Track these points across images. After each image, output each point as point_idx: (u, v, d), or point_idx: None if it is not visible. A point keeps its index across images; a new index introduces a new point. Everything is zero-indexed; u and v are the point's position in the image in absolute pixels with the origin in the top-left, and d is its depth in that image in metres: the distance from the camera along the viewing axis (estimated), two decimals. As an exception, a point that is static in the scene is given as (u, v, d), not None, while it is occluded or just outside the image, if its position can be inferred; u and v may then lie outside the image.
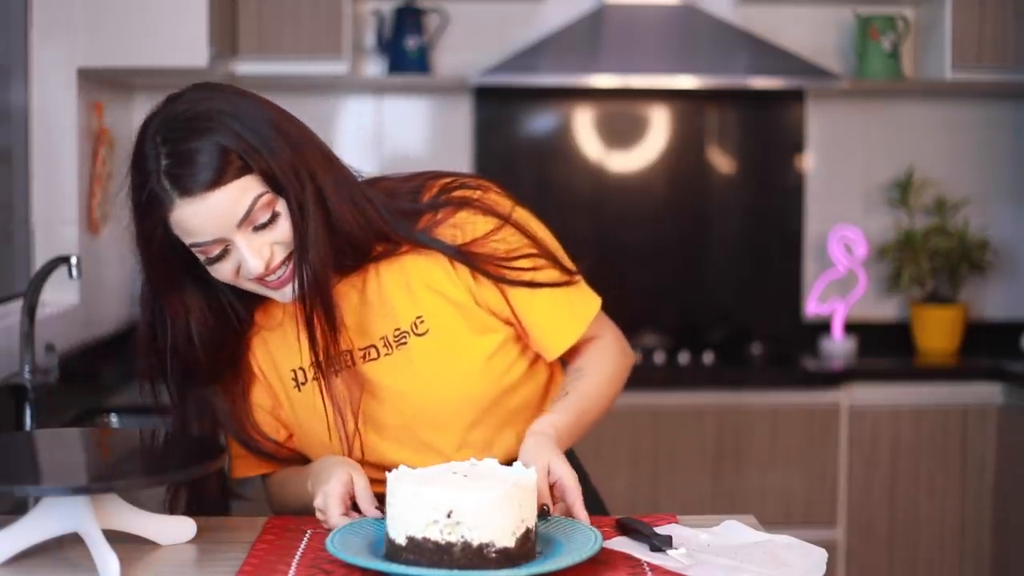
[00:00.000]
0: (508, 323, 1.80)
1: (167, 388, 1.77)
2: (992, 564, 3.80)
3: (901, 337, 4.20)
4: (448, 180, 1.79)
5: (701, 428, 3.78)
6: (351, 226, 1.69)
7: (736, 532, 1.63)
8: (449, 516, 1.42)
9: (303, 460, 1.86)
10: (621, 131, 4.23)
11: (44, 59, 3.21)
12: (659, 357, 3.95)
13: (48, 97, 3.22)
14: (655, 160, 4.25)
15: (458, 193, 1.77)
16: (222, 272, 1.67)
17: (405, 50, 4.03)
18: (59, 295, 3.16)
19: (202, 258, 1.66)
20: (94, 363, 3.30)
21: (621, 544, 1.57)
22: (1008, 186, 4.30)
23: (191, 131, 1.60)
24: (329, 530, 1.60)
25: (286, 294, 1.69)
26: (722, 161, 4.28)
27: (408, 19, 4.04)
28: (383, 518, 1.53)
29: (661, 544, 1.54)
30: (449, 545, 1.42)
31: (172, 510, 1.76)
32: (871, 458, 3.80)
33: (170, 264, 1.68)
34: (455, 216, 1.76)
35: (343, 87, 4.13)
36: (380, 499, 1.59)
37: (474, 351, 1.77)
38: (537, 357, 1.86)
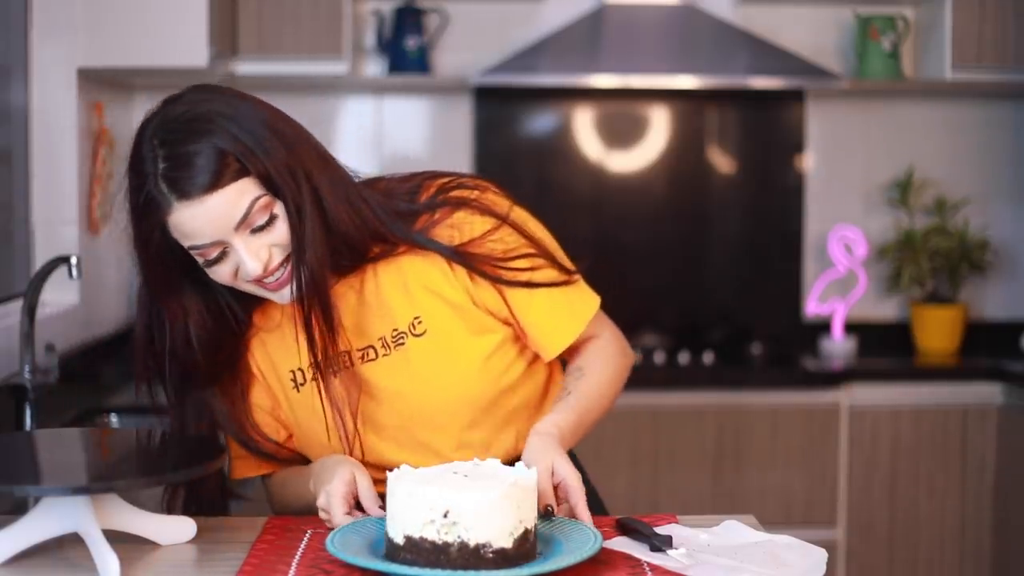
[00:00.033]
0: (506, 323, 1.80)
1: (164, 390, 1.77)
2: (992, 564, 3.80)
3: (901, 337, 4.20)
4: (446, 180, 1.79)
5: (701, 428, 3.78)
6: (347, 226, 1.69)
7: (736, 532, 1.63)
8: (445, 516, 1.42)
9: (303, 460, 1.86)
10: (621, 131, 4.23)
11: (44, 59, 3.21)
12: (659, 357, 3.95)
13: (48, 97, 3.22)
14: (655, 160, 4.25)
15: (455, 193, 1.77)
16: (220, 274, 1.67)
17: (405, 50, 4.03)
18: (59, 295, 3.16)
19: (200, 260, 1.66)
20: (94, 363, 3.30)
21: (621, 544, 1.57)
22: (1008, 186, 4.30)
23: (188, 134, 1.60)
24: (331, 530, 1.60)
25: (284, 295, 1.69)
26: (722, 161, 4.28)
27: (408, 19, 4.04)
28: (385, 517, 1.54)
29: (661, 544, 1.54)
30: (446, 545, 1.42)
31: (170, 510, 1.76)
32: (871, 458, 3.80)
33: (168, 267, 1.68)
34: (452, 216, 1.75)
35: (343, 87, 4.13)
36: (381, 499, 1.59)
37: (472, 351, 1.77)
38: (536, 357, 1.85)
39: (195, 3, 3.24)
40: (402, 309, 1.76)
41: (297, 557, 1.54)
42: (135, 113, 3.85)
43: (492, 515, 1.42)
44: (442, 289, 1.76)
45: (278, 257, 1.66)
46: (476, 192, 1.78)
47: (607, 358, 1.85)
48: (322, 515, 1.64)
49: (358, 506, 1.65)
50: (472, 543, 1.42)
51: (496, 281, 1.76)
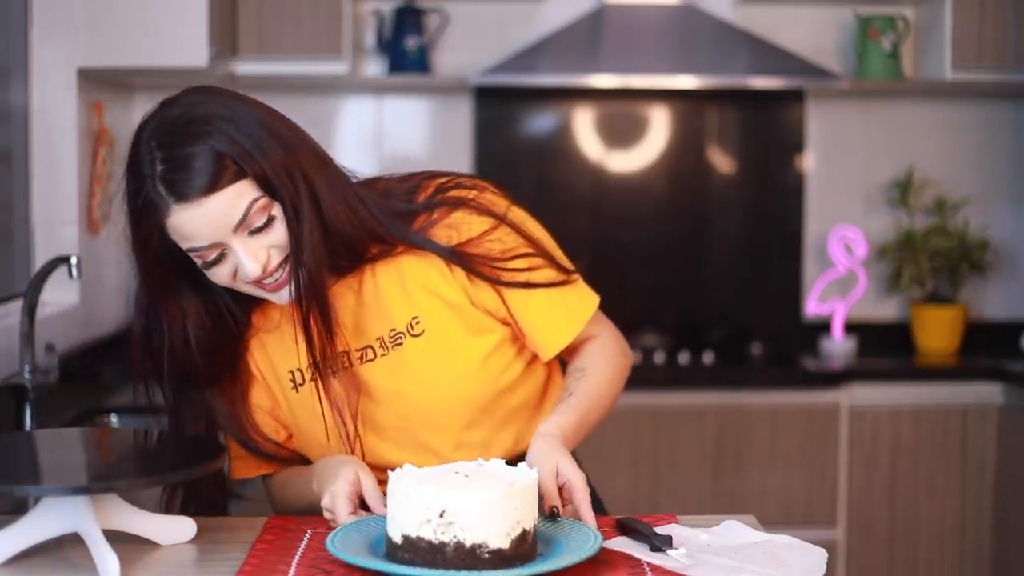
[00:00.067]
0: (505, 323, 1.80)
1: (162, 391, 1.77)
2: (992, 564, 3.80)
3: (901, 337, 4.20)
4: (444, 180, 1.79)
5: (701, 428, 3.78)
6: (345, 227, 1.69)
7: (736, 532, 1.63)
8: (442, 516, 1.42)
9: (303, 460, 1.86)
10: (621, 131, 4.23)
11: (44, 59, 3.21)
12: (659, 357, 3.95)
13: (48, 97, 3.22)
14: (655, 160, 4.25)
15: (453, 193, 1.77)
16: (219, 276, 1.67)
17: (405, 50, 4.03)
18: (59, 295, 3.16)
19: (199, 262, 1.66)
20: (94, 363, 3.30)
21: (621, 544, 1.57)
22: (1008, 186, 4.30)
23: (186, 136, 1.60)
24: (331, 529, 1.60)
25: (283, 296, 1.69)
26: (722, 161, 4.28)
27: (408, 19, 4.04)
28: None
29: (661, 544, 1.54)
30: (442, 545, 1.42)
31: (168, 510, 1.76)
32: (871, 458, 3.80)
33: (166, 269, 1.68)
34: (450, 216, 1.75)
35: (343, 87, 4.13)
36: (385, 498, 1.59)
37: (470, 352, 1.77)
38: (534, 357, 1.85)
39: (195, 3, 3.24)
40: (400, 309, 1.76)
41: (297, 557, 1.54)
42: (135, 113, 3.85)
43: (489, 515, 1.42)
44: (440, 289, 1.76)
45: (276, 258, 1.66)
46: (474, 192, 1.78)
47: (607, 358, 1.85)
48: (326, 515, 1.64)
49: (363, 506, 1.65)
50: (468, 543, 1.41)
51: (494, 282, 1.76)
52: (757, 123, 4.27)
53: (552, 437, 1.68)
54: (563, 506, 1.62)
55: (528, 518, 1.46)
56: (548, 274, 1.79)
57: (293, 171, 1.64)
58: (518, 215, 1.79)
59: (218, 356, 1.77)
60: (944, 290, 4.18)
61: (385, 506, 1.61)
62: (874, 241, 4.22)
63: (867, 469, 3.80)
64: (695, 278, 4.29)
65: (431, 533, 1.42)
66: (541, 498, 1.60)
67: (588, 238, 4.18)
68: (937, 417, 3.81)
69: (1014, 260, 4.30)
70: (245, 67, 3.76)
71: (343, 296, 1.77)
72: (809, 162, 4.27)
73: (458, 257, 1.74)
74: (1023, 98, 4.25)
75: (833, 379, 3.81)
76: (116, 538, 1.53)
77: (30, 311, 2.52)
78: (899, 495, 3.81)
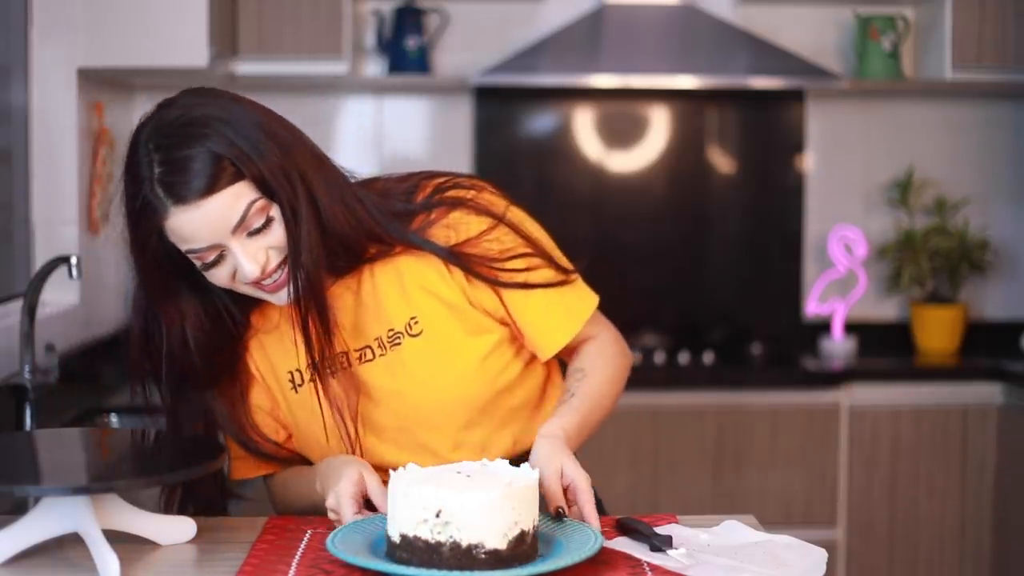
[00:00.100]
0: (503, 323, 1.80)
1: (159, 393, 1.77)
2: (992, 564, 3.80)
3: (901, 337, 4.20)
4: (442, 180, 1.79)
5: (701, 428, 3.78)
6: (343, 227, 1.69)
7: (736, 532, 1.63)
8: (438, 516, 1.42)
9: (303, 460, 1.86)
10: (621, 131, 4.23)
11: (44, 59, 3.21)
12: (659, 357, 3.95)
13: (48, 97, 3.22)
14: (655, 160, 4.25)
15: (452, 193, 1.77)
16: (218, 277, 1.67)
17: (405, 50, 4.03)
18: (59, 295, 3.16)
19: (198, 264, 1.66)
20: (94, 363, 3.30)
21: (621, 544, 1.57)
22: (1008, 186, 4.30)
23: (183, 138, 1.60)
24: (331, 529, 1.60)
25: (282, 297, 1.69)
26: (722, 161, 4.28)
27: (408, 19, 4.04)
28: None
29: (661, 544, 1.54)
30: (438, 544, 1.42)
31: (167, 510, 1.76)
32: (871, 458, 3.80)
33: (165, 271, 1.68)
34: (449, 216, 1.75)
35: (343, 87, 4.13)
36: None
37: (468, 352, 1.77)
38: (533, 357, 1.85)
39: (195, 3, 3.24)
40: (398, 309, 1.76)
41: (297, 557, 1.54)
42: (135, 113, 3.85)
43: (485, 516, 1.41)
44: (438, 289, 1.76)
45: (275, 259, 1.66)
46: (472, 192, 1.78)
47: (607, 359, 1.85)
48: (331, 516, 1.64)
49: (367, 505, 1.65)
50: (464, 543, 1.41)
51: (492, 282, 1.76)
52: (757, 123, 4.27)
53: (555, 438, 1.68)
54: (568, 507, 1.62)
55: (527, 519, 1.45)
56: (546, 274, 1.79)
57: (290, 172, 1.64)
58: (517, 215, 1.79)
59: (217, 357, 1.77)
60: (944, 290, 4.18)
61: None
62: (874, 241, 4.22)
63: (867, 469, 3.80)
64: (695, 278, 4.29)
65: (428, 533, 1.42)
66: (544, 499, 1.61)
67: (588, 238, 4.18)
68: (937, 417, 3.81)
69: (1014, 260, 4.30)
70: (245, 67, 3.76)
71: (341, 296, 1.77)
72: (809, 162, 4.27)
73: (456, 257, 1.74)
74: (1023, 98, 4.25)
75: (833, 379, 3.81)
76: (116, 538, 1.53)
77: (30, 311, 2.52)
78: (899, 495, 3.81)
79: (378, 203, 1.74)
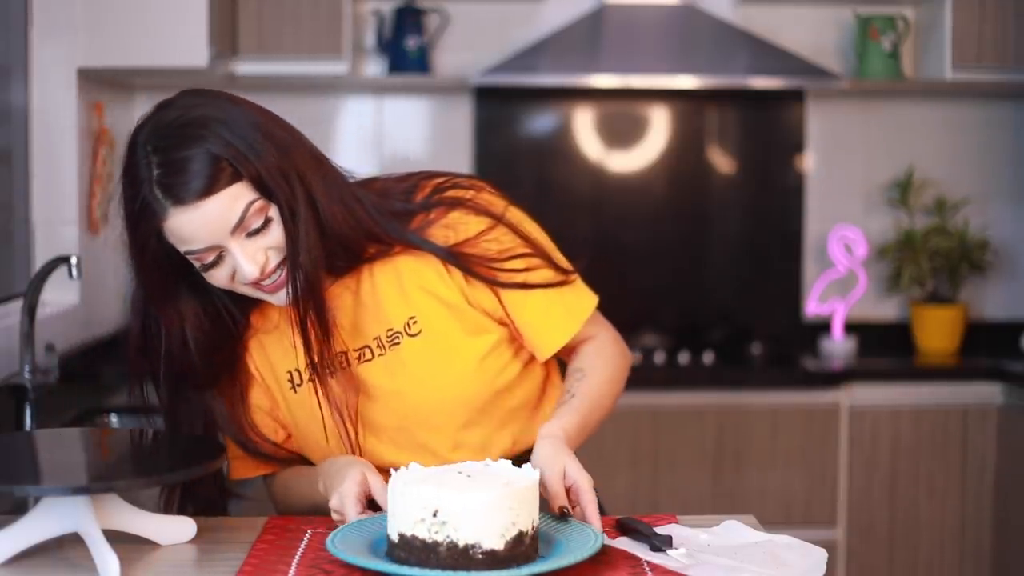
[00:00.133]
0: (502, 323, 1.80)
1: (158, 393, 1.77)
2: (992, 564, 3.80)
3: (901, 337, 4.20)
4: (441, 180, 1.79)
5: (701, 428, 3.78)
6: (342, 227, 1.69)
7: (736, 532, 1.63)
8: (435, 515, 1.42)
9: (302, 461, 1.86)
10: (621, 131, 4.23)
11: (44, 59, 3.21)
12: (659, 357, 3.95)
13: (48, 97, 3.22)
14: (655, 160, 4.25)
15: (451, 193, 1.77)
16: (217, 278, 1.67)
17: (405, 50, 4.03)
18: (59, 295, 3.16)
19: (197, 265, 1.66)
20: (94, 363, 3.30)
21: (621, 544, 1.57)
22: (1008, 186, 4.30)
23: (182, 139, 1.60)
24: (331, 529, 1.60)
25: (281, 298, 1.69)
26: (722, 161, 4.28)
27: (408, 19, 4.04)
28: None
29: (661, 544, 1.54)
30: (435, 544, 1.42)
31: (167, 510, 1.76)
32: (871, 458, 3.80)
33: (164, 272, 1.68)
34: (448, 216, 1.75)
35: (343, 87, 4.13)
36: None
37: (467, 352, 1.77)
38: (532, 358, 1.85)
39: (195, 3, 3.24)
40: (397, 309, 1.76)
41: (297, 557, 1.54)
42: (135, 113, 3.85)
43: (482, 516, 1.41)
44: (437, 289, 1.76)
45: (274, 260, 1.66)
46: (471, 192, 1.78)
47: (607, 359, 1.85)
48: (335, 516, 1.64)
49: (371, 505, 1.65)
50: (461, 543, 1.41)
51: (491, 282, 1.76)
52: (757, 123, 4.27)
53: (556, 439, 1.68)
54: (572, 508, 1.62)
55: (525, 519, 1.45)
56: (545, 274, 1.78)
57: (289, 173, 1.64)
58: (516, 215, 1.79)
59: (217, 357, 1.77)
60: (944, 290, 4.18)
61: None
62: (874, 241, 4.23)
63: (867, 469, 3.80)
64: (695, 278, 4.29)
65: (425, 532, 1.42)
66: (547, 500, 1.60)
67: (588, 238, 4.18)
68: (937, 417, 3.81)
69: (1014, 260, 4.30)
70: (245, 67, 3.76)
71: (340, 296, 1.77)
72: (809, 162, 4.27)
73: (455, 257, 1.74)
74: (1023, 98, 4.25)
75: (833, 379, 3.81)
76: (116, 538, 1.53)
77: (30, 311, 2.52)
78: (899, 495, 3.81)
79: (377, 203, 1.74)
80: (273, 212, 1.64)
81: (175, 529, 1.63)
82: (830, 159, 4.28)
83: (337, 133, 4.18)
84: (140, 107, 3.86)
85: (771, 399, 3.79)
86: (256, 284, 1.67)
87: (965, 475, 3.81)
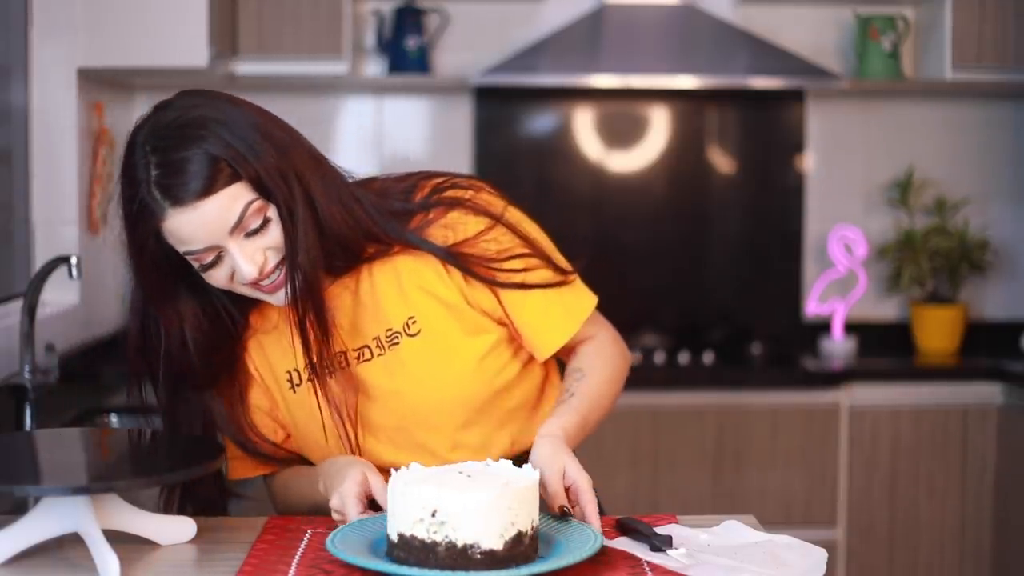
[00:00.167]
0: (501, 324, 1.80)
1: (156, 393, 1.77)
2: (992, 564, 3.80)
3: (901, 337, 4.20)
4: (440, 180, 1.79)
5: (701, 428, 3.78)
6: (340, 227, 1.69)
7: (736, 532, 1.63)
8: (434, 515, 1.42)
9: (301, 460, 1.86)
10: (621, 131, 4.23)
11: (44, 59, 3.21)
12: (659, 357, 3.95)
13: (48, 97, 3.23)
14: (655, 160, 4.25)
15: (450, 193, 1.77)
16: (216, 278, 1.67)
17: (405, 50, 4.03)
18: (59, 295, 3.16)
19: (196, 265, 1.66)
20: (94, 363, 3.30)
21: (621, 544, 1.57)
22: (1008, 186, 4.30)
23: (180, 140, 1.60)
24: (331, 529, 1.60)
25: (280, 298, 1.69)
26: (722, 161, 4.28)
27: (408, 19, 4.04)
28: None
29: (661, 544, 1.54)
30: (434, 544, 1.42)
31: (166, 510, 1.76)
32: (871, 458, 3.80)
33: (163, 273, 1.68)
34: (447, 216, 1.75)
35: (343, 87, 4.13)
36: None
37: (466, 352, 1.77)
38: (531, 358, 1.85)
39: (195, 3, 3.25)
40: (396, 309, 1.76)
41: (297, 557, 1.54)
42: (135, 113, 3.85)
43: (481, 516, 1.41)
44: (436, 289, 1.76)
45: (273, 260, 1.66)
46: (470, 192, 1.78)
47: (606, 359, 1.85)
48: (335, 516, 1.64)
49: (372, 505, 1.65)
50: (460, 543, 1.41)
51: (490, 282, 1.76)
52: (757, 123, 4.27)
53: (556, 438, 1.68)
54: (572, 507, 1.62)
55: (524, 519, 1.45)
56: (544, 275, 1.78)
57: (287, 173, 1.64)
58: (515, 215, 1.79)
59: (216, 357, 1.77)
60: (944, 290, 4.18)
61: None
62: (874, 241, 4.22)
63: (867, 469, 3.80)
64: (695, 278, 4.29)
65: (424, 532, 1.42)
66: (547, 499, 1.60)
67: (588, 238, 4.18)
68: (937, 417, 3.81)
69: (1014, 260, 4.30)
70: (245, 67, 3.76)
71: (340, 296, 1.77)
72: (809, 162, 4.27)
73: (454, 257, 1.74)
74: (1023, 98, 4.25)
75: (833, 379, 3.81)
76: (116, 538, 1.53)
77: (30, 311, 2.52)
78: (899, 495, 3.81)
79: (376, 202, 1.74)
80: (272, 212, 1.64)
81: (175, 529, 1.63)
82: (830, 159, 4.28)
83: (337, 133, 4.18)
84: (140, 107, 3.86)
85: (771, 399, 3.79)
86: (255, 284, 1.67)
87: (965, 475, 3.81)
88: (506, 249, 1.76)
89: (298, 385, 1.79)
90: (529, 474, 1.50)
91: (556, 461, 1.63)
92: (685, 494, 3.76)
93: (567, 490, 1.62)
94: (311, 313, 1.68)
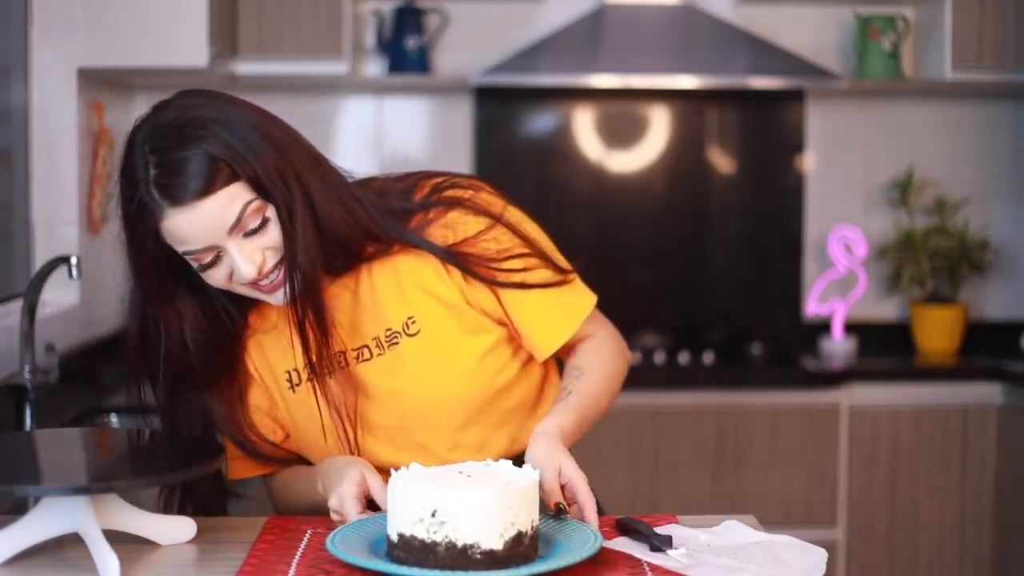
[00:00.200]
0: (501, 323, 1.80)
1: (156, 394, 1.77)
2: (992, 564, 3.80)
3: (901, 337, 4.20)
4: (440, 180, 1.79)
5: (701, 428, 3.78)
6: (340, 227, 1.69)
7: (736, 532, 1.63)
8: (433, 515, 1.42)
9: (300, 460, 1.86)
10: (621, 131, 4.23)
11: (44, 59, 3.21)
12: (659, 357, 3.95)
13: (48, 97, 3.22)
14: (655, 160, 4.25)
15: (449, 193, 1.77)
16: (215, 278, 1.67)
17: (405, 50, 4.03)
18: (59, 295, 3.16)
19: (194, 265, 1.66)
20: (94, 363, 3.30)
21: (621, 544, 1.57)
22: (1008, 186, 4.30)
23: (179, 140, 1.60)
24: (331, 529, 1.60)
25: (279, 298, 1.69)
26: (722, 161, 4.28)
27: (408, 19, 4.04)
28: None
29: (661, 544, 1.54)
30: (434, 544, 1.42)
31: (166, 510, 1.76)
32: (871, 458, 3.80)
33: (162, 272, 1.68)
34: (446, 216, 1.75)
35: (343, 87, 4.13)
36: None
37: (466, 352, 1.77)
38: (531, 358, 1.85)
39: (195, 3, 3.25)
40: (396, 309, 1.76)
41: (297, 557, 1.54)
42: (135, 113, 3.81)
43: (481, 516, 1.41)
44: (436, 289, 1.76)
45: (272, 260, 1.66)
46: (470, 192, 1.78)
47: (605, 357, 1.85)
48: (334, 517, 1.64)
49: (370, 505, 1.65)
50: (460, 543, 1.41)
51: (489, 282, 1.76)
52: (757, 123, 4.27)
53: (552, 437, 1.68)
54: (568, 506, 1.62)
55: (524, 519, 1.45)
56: (544, 274, 1.78)
57: (286, 173, 1.64)
58: (514, 215, 1.79)
59: (216, 357, 1.77)
60: (944, 290, 4.18)
61: None
62: (874, 241, 4.23)
63: (867, 469, 3.80)
64: (695, 278, 4.29)
65: (424, 532, 1.42)
66: (543, 497, 1.60)
67: (588, 238, 4.18)
68: (937, 417, 3.81)
69: (1014, 260, 4.30)
70: (245, 67, 3.76)
71: (339, 296, 1.77)
72: (809, 162, 4.27)
73: (454, 257, 1.74)
74: (1023, 98, 4.25)
75: (833, 379, 3.81)
76: (116, 538, 1.53)
77: (30, 311, 2.52)
78: (899, 495, 3.81)
79: (376, 202, 1.74)
80: (270, 212, 1.64)
81: (175, 529, 1.63)
82: (830, 159, 4.28)
83: (337, 133, 4.18)
84: (140, 107, 3.86)
85: (771, 399, 3.79)
86: (254, 284, 1.67)
87: (965, 475, 3.81)
88: (506, 249, 1.76)
89: (297, 385, 1.79)
90: (529, 474, 1.50)
91: (552, 459, 1.63)
92: (685, 494, 3.76)
93: (563, 488, 1.62)
94: (310, 313, 1.68)
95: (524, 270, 1.76)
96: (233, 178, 1.61)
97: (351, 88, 4.15)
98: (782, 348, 4.12)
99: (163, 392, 1.76)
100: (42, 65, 3.21)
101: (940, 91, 4.20)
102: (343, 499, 1.62)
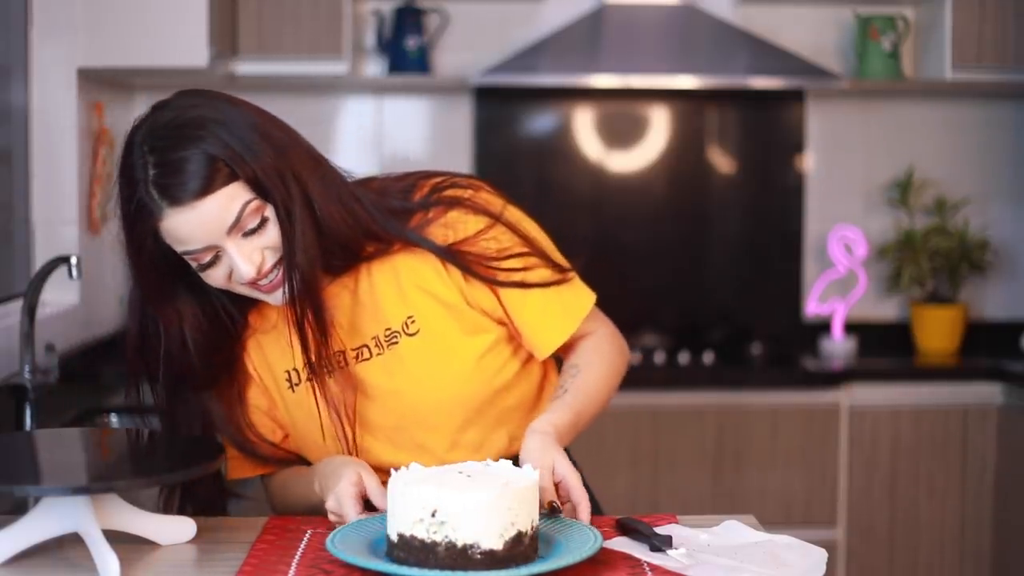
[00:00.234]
0: (500, 323, 1.80)
1: (155, 393, 1.77)
2: (992, 564, 3.80)
3: (901, 337, 4.20)
4: (439, 179, 1.79)
5: (701, 428, 3.78)
6: (339, 226, 1.69)
7: (736, 532, 1.63)
8: (433, 515, 1.42)
9: (300, 461, 1.86)
10: (621, 131, 4.23)
11: (44, 59, 3.21)
12: (659, 357, 3.95)
13: (48, 97, 3.23)
14: (655, 160, 4.25)
15: (449, 192, 1.77)
16: (214, 278, 1.67)
17: (405, 50, 4.03)
18: (59, 295, 3.16)
19: (194, 265, 1.66)
20: (94, 363, 3.30)
21: (621, 544, 1.57)
22: (1008, 186, 4.30)
23: (178, 140, 1.60)
24: (331, 529, 1.60)
25: (278, 297, 1.69)
26: (722, 161, 4.28)
27: (408, 19, 4.04)
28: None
29: (661, 544, 1.54)
30: (434, 544, 1.42)
31: (166, 510, 1.76)
32: (871, 458, 3.80)
33: (161, 272, 1.68)
34: (446, 215, 1.75)
35: (343, 87, 4.13)
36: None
37: (465, 351, 1.77)
38: (530, 358, 1.85)
39: (195, 3, 3.25)
40: (395, 308, 1.76)
41: (297, 557, 1.54)
42: (135, 113, 3.81)
43: (481, 516, 1.41)
44: (435, 288, 1.76)
45: (271, 259, 1.66)
46: (470, 191, 1.78)
47: (603, 355, 1.85)
48: (332, 517, 1.64)
49: (368, 506, 1.65)
50: (459, 543, 1.41)
51: (489, 281, 1.76)
52: (757, 123, 4.27)
53: (546, 435, 1.68)
54: (562, 504, 1.62)
55: (524, 519, 1.45)
56: (543, 274, 1.78)
57: (285, 173, 1.64)
58: (514, 214, 1.79)
59: (216, 357, 1.77)
60: (944, 290, 4.18)
61: None
62: (874, 241, 4.22)
63: (867, 469, 3.80)
64: (695, 278, 4.29)
65: (424, 532, 1.42)
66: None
67: (588, 238, 4.18)
68: (937, 417, 3.81)
69: (1014, 260, 4.30)
70: (245, 67, 3.76)
71: (339, 295, 1.77)
72: (809, 162, 4.27)
73: (453, 256, 1.74)
74: (1023, 98, 4.25)
75: (833, 379, 3.81)
76: (116, 538, 1.53)
77: (30, 311, 2.52)
78: (899, 495, 3.81)
79: (376, 201, 1.74)
80: (269, 212, 1.64)
81: (175, 529, 1.63)
82: (830, 159, 4.28)
83: (337, 133, 4.18)
84: (140, 107, 3.86)
85: (771, 399, 3.79)
86: (253, 284, 1.67)
87: (965, 475, 3.81)
88: (505, 248, 1.76)
89: (297, 385, 1.79)
90: (529, 474, 1.50)
91: (545, 457, 1.63)
92: (685, 494, 3.76)
93: (557, 486, 1.62)
94: (309, 313, 1.68)
95: (524, 269, 1.76)
96: (232, 178, 1.61)
97: (351, 88, 4.15)
98: (782, 348, 4.12)
99: (162, 392, 1.76)
100: (42, 65, 3.21)
101: (940, 91, 4.20)
102: (341, 500, 1.62)
